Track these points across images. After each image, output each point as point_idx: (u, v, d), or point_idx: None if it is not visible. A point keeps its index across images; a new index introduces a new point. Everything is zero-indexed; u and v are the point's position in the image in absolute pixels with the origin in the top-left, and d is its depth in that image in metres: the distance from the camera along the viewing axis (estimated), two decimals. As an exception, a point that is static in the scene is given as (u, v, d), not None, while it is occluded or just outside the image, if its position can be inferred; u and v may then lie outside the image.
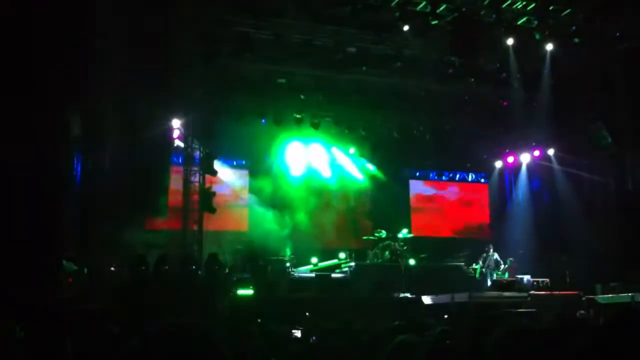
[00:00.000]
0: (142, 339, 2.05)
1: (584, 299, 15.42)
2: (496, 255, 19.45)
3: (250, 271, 17.36)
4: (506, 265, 19.35)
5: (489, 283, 18.80)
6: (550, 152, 22.28)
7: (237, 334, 6.30)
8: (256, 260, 18.11)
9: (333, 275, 18.17)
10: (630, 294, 14.89)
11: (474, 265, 19.64)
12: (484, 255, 19.60)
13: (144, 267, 14.89)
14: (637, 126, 18.21)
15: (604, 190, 19.54)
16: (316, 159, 22.69)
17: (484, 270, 19.27)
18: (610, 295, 15.59)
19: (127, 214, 16.18)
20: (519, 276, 18.36)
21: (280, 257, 18.99)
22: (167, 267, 14.97)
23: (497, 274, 19.01)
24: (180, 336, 2.08)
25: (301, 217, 21.10)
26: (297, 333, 9.16)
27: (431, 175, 25.49)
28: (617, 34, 17.15)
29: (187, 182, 19.06)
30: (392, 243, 19.49)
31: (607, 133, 18.74)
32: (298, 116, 20.62)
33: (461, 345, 5.19)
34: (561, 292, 16.29)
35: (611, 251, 17.85)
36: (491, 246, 19.74)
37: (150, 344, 2.06)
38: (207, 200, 18.74)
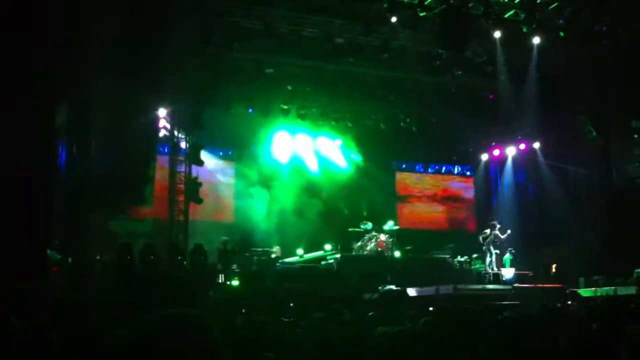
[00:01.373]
0: (132, 328, 2.04)
1: (567, 291, 15.56)
2: (498, 234, 19.19)
3: (237, 262, 17.38)
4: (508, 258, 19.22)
5: (491, 259, 18.75)
6: (536, 145, 22.40)
7: (223, 324, 6.29)
8: (242, 251, 18.09)
9: (319, 266, 18.18)
10: (612, 288, 15.04)
11: (459, 258, 19.68)
12: (487, 231, 19.38)
13: (129, 257, 14.87)
14: (622, 120, 18.37)
15: (589, 183, 19.69)
16: (302, 150, 22.67)
17: (484, 248, 19.17)
18: (593, 289, 15.74)
19: (113, 203, 16.12)
20: (503, 269, 18.50)
21: (266, 249, 19.00)
22: (152, 256, 14.95)
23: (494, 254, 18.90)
24: (174, 325, 2.07)
25: (287, 208, 21.08)
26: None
27: (417, 167, 25.55)
28: (604, 28, 17.24)
29: (173, 172, 19.00)
30: (378, 235, 19.52)
31: (592, 126, 18.88)
32: (285, 107, 20.59)
33: (445, 336, 5.23)
34: (544, 285, 16.42)
35: (596, 244, 18.00)
36: (496, 222, 19.62)
37: (142, 334, 2.05)
38: (193, 190, 18.68)
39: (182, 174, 19.07)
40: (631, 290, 14.49)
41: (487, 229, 19.31)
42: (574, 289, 15.95)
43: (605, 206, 18.97)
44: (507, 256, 19.12)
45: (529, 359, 4.88)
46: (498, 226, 19.17)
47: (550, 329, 5.72)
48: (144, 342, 1.98)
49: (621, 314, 6.42)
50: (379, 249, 19.18)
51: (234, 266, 16.91)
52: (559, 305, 10.89)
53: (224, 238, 18.38)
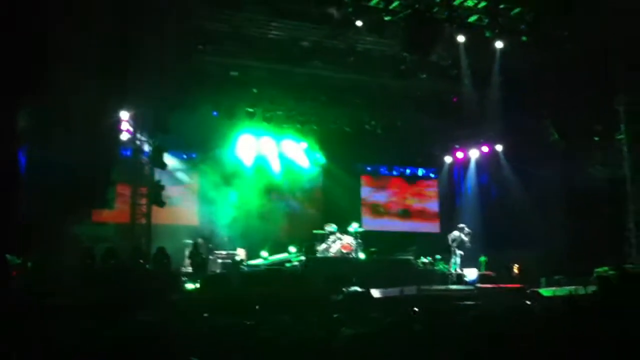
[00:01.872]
0: (95, 335, 2.05)
1: (528, 291, 15.76)
2: (463, 237, 19.39)
3: (193, 265, 17.29)
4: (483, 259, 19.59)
5: (455, 260, 18.97)
6: (499, 148, 22.75)
7: (186, 329, 6.24)
8: (199, 254, 17.96)
9: (284, 269, 18.14)
10: (573, 287, 15.27)
11: (423, 259, 19.83)
12: (456, 232, 19.54)
13: (90, 261, 14.68)
14: (583, 123, 18.68)
15: (552, 185, 19.97)
16: (267, 152, 22.63)
17: (452, 249, 19.35)
18: (553, 288, 15.97)
19: (74, 206, 15.88)
20: (466, 270, 18.75)
21: (230, 251, 18.91)
22: (114, 260, 14.76)
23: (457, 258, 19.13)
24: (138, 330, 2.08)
25: (251, 210, 21.01)
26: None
27: (382, 169, 25.70)
28: (566, 33, 17.53)
29: (135, 175, 18.76)
30: (343, 237, 19.56)
31: (554, 129, 19.17)
32: (250, 110, 20.54)
33: (409, 336, 5.28)
34: (506, 285, 16.64)
35: (558, 245, 18.27)
36: (464, 225, 19.79)
37: (106, 340, 2.05)
38: (156, 193, 18.48)
39: (145, 177, 18.84)
40: (591, 289, 14.72)
41: (455, 230, 19.58)
42: (535, 289, 16.16)
43: (568, 208, 19.27)
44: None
45: (490, 357, 4.95)
46: (467, 230, 19.46)
47: (511, 329, 5.81)
48: (108, 348, 1.98)
49: (579, 313, 6.55)
50: (344, 251, 19.23)
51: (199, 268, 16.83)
52: (521, 305, 11.03)
53: (194, 241, 18.25)
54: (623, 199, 17.80)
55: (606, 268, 15.92)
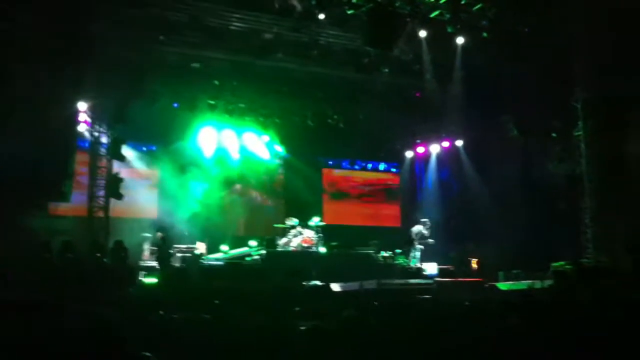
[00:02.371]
0: (50, 327, 1.96)
1: (486, 285, 15.94)
2: (424, 232, 19.59)
3: (159, 259, 17.09)
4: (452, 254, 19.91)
5: (415, 254, 19.12)
6: (459, 143, 22.95)
7: (141, 323, 6.13)
8: (165, 247, 17.77)
9: (244, 263, 18.05)
10: (530, 281, 15.50)
11: (383, 253, 19.94)
12: (419, 226, 19.71)
13: (48, 255, 14.41)
14: (542, 118, 18.93)
15: (511, 181, 20.23)
16: (229, 145, 22.44)
17: (414, 242, 19.49)
18: (511, 282, 16.18)
19: (30, 199, 15.55)
20: (425, 264, 18.91)
21: (190, 245, 18.73)
22: (71, 254, 14.50)
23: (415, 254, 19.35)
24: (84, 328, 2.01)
25: (212, 204, 20.84)
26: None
27: (344, 163, 25.76)
28: (527, 30, 17.70)
29: (93, 168, 18.43)
30: (304, 231, 19.54)
31: (513, 125, 19.40)
32: (212, 102, 20.35)
33: (366, 331, 5.26)
34: (465, 279, 16.81)
35: (517, 240, 18.51)
36: (427, 220, 19.91)
37: (58, 335, 1.98)
38: (114, 186, 18.19)
39: (103, 170, 18.52)
40: (548, 283, 14.95)
41: (418, 224, 19.76)
42: (493, 283, 16.36)
43: (526, 203, 19.53)
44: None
45: (449, 351, 4.97)
46: (428, 224, 19.64)
47: (470, 323, 5.85)
48: (60, 341, 1.91)
49: (536, 307, 6.62)
50: (305, 245, 19.21)
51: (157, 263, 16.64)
52: (480, 299, 11.13)
53: (160, 234, 18.03)
54: (580, 195, 18.12)
55: (563, 262, 16.20)
